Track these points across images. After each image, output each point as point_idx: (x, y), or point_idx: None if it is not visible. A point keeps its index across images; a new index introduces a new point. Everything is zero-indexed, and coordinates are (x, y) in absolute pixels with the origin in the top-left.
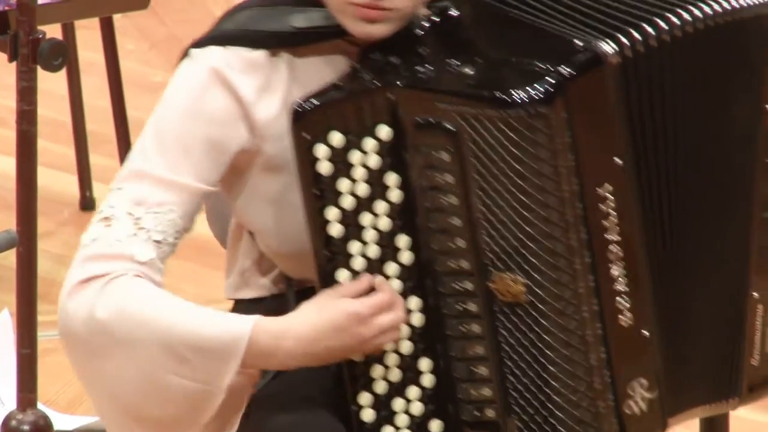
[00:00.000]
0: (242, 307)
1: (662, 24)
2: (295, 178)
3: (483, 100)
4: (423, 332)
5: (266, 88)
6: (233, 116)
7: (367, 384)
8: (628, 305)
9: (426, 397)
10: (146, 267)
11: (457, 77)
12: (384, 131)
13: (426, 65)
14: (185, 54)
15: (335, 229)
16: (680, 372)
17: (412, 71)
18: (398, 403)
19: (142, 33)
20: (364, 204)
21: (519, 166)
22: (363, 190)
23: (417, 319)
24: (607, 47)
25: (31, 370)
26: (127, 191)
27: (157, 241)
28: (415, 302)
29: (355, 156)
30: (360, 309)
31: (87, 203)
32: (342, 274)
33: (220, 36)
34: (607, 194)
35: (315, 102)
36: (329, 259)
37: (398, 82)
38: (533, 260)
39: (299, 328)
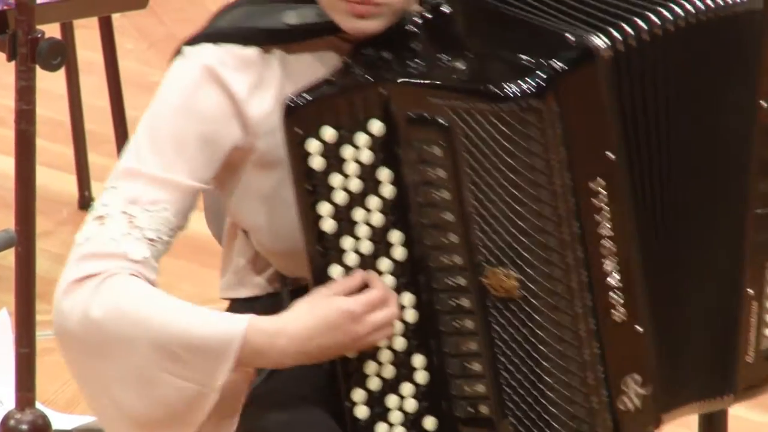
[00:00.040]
0: (237, 306)
1: (654, 18)
2: (287, 174)
3: (475, 94)
4: (416, 328)
5: (259, 85)
6: (226, 114)
7: (361, 380)
8: (621, 301)
9: (420, 393)
10: (141, 265)
11: (449, 72)
12: (376, 126)
13: (418, 60)
14: (178, 52)
15: (328, 225)
16: (674, 368)
17: (404, 66)
18: (392, 400)
19: (141, 32)
20: (357, 199)
21: (511, 160)
22: (355, 185)
23: (410, 315)
24: (599, 41)
25: (29, 370)
26: (121, 190)
27: (151, 240)
28: (408, 298)
29: (347, 151)
30: (353, 307)
31: (86, 203)
32: (335, 270)
33: (212, 33)
34: (600, 189)
35: (307, 97)
36: (322, 254)
37: (390, 77)
38: (526, 255)
39: (293, 326)
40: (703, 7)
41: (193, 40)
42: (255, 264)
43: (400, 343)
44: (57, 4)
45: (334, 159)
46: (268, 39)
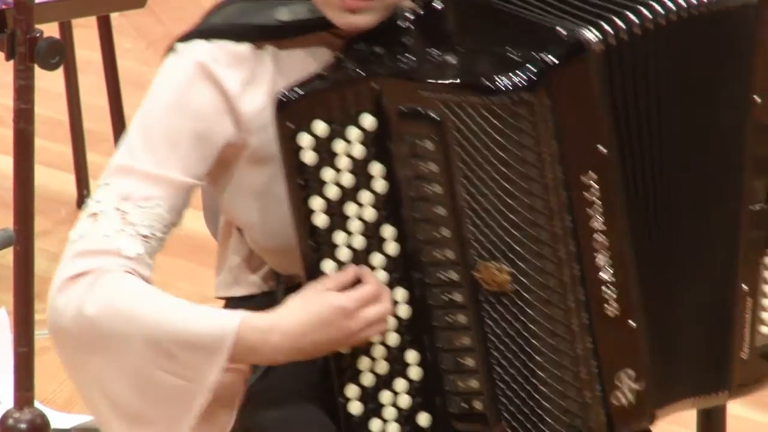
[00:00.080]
0: (233, 305)
1: (646, 12)
2: (280, 170)
3: (466, 87)
4: (409, 324)
5: (251, 81)
6: (219, 110)
7: (354, 376)
8: (614, 295)
9: (413, 389)
10: (135, 262)
11: (440, 66)
12: (368, 120)
13: (409, 55)
14: (171, 49)
15: (320, 219)
16: (668, 364)
17: (395, 61)
18: (385, 396)
19: (139, 32)
20: (349, 194)
21: (503, 154)
22: (347, 179)
23: (403, 311)
24: (591, 35)
25: (28, 369)
26: (114, 186)
27: (145, 236)
28: (401, 293)
29: (339, 145)
30: (346, 303)
31: (84, 202)
32: (327, 265)
33: (205, 30)
34: (592, 182)
35: (299, 91)
36: (314, 249)
37: (382, 71)
38: (518, 248)
39: (286, 322)
40: (695, 1)
41: (186, 37)
42: (250, 262)
43: (393, 339)
44: (55, 3)
45: (325, 153)
46: (260, 35)
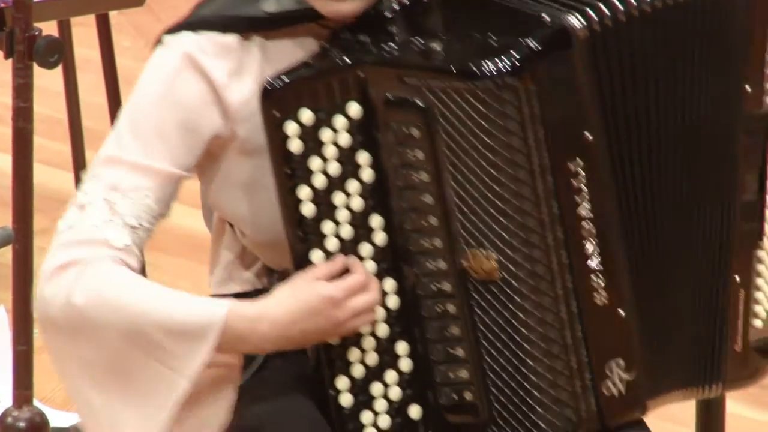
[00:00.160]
0: None
1: None
2: (268, 161)
3: (451, 72)
4: (399, 314)
5: (238, 71)
6: (206, 101)
7: (344, 367)
8: (603, 284)
9: (404, 381)
10: (123, 252)
11: (426, 53)
12: (354, 109)
13: (395, 43)
14: (159, 41)
15: (307, 209)
16: (660, 354)
17: (381, 49)
18: (376, 388)
19: (138, 30)
20: (336, 183)
21: (489, 140)
22: (334, 168)
23: (392, 301)
24: (575, 21)
25: (27, 367)
26: (102, 177)
27: (133, 227)
28: (390, 284)
29: (325, 134)
30: (333, 292)
31: None
32: (316, 255)
33: (192, 22)
34: (579, 169)
35: (284, 79)
36: (302, 240)
37: (367, 59)
38: (505, 235)
39: (273, 311)
40: None
41: (174, 29)
42: (243, 259)
43: (382, 330)
44: (54, 1)
45: (312, 142)
46: (247, 26)
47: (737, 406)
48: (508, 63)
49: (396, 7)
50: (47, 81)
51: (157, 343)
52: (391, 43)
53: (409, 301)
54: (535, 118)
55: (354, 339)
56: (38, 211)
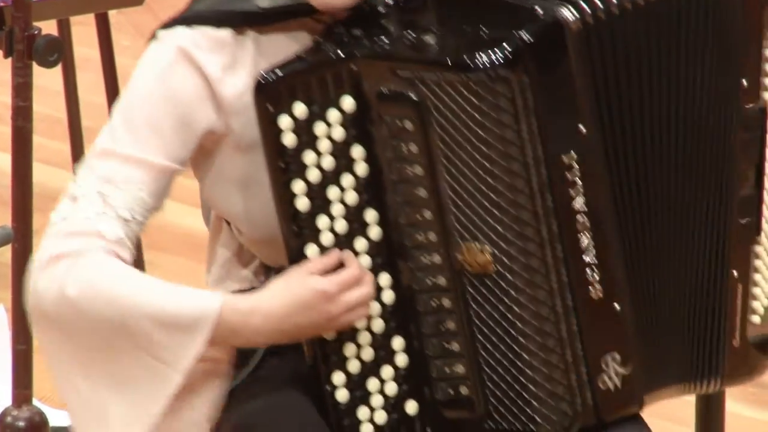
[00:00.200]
0: None
1: None
2: (262, 156)
3: (444, 64)
4: (394, 309)
5: (232, 65)
6: (200, 95)
7: (340, 363)
8: (598, 278)
9: (400, 376)
10: (115, 245)
11: (419, 46)
12: (347, 102)
13: (388, 37)
14: (153, 36)
15: (302, 203)
16: (656, 348)
17: (374, 42)
18: (372, 383)
19: (138, 29)
20: (330, 177)
21: (482, 132)
22: (328, 163)
23: (388, 296)
24: (568, 14)
25: (26, 367)
26: (96, 169)
27: (126, 219)
28: (385, 278)
29: (319, 128)
30: (327, 287)
31: None
32: (310, 250)
33: (187, 17)
34: (573, 162)
35: (278, 73)
36: (297, 234)
37: (360, 53)
38: (499, 228)
39: (267, 305)
40: None
41: (168, 24)
42: (240, 257)
43: (378, 325)
44: (54, 0)
45: (306, 136)
46: (242, 21)
47: (737, 405)
48: (501, 55)
49: (389, 1)
50: (47, 80)
51: (149, 335)
52: (384, 37)
53: (405, 295)
54: (528, 110)
55: (349, 334)
56: (37, 210)
